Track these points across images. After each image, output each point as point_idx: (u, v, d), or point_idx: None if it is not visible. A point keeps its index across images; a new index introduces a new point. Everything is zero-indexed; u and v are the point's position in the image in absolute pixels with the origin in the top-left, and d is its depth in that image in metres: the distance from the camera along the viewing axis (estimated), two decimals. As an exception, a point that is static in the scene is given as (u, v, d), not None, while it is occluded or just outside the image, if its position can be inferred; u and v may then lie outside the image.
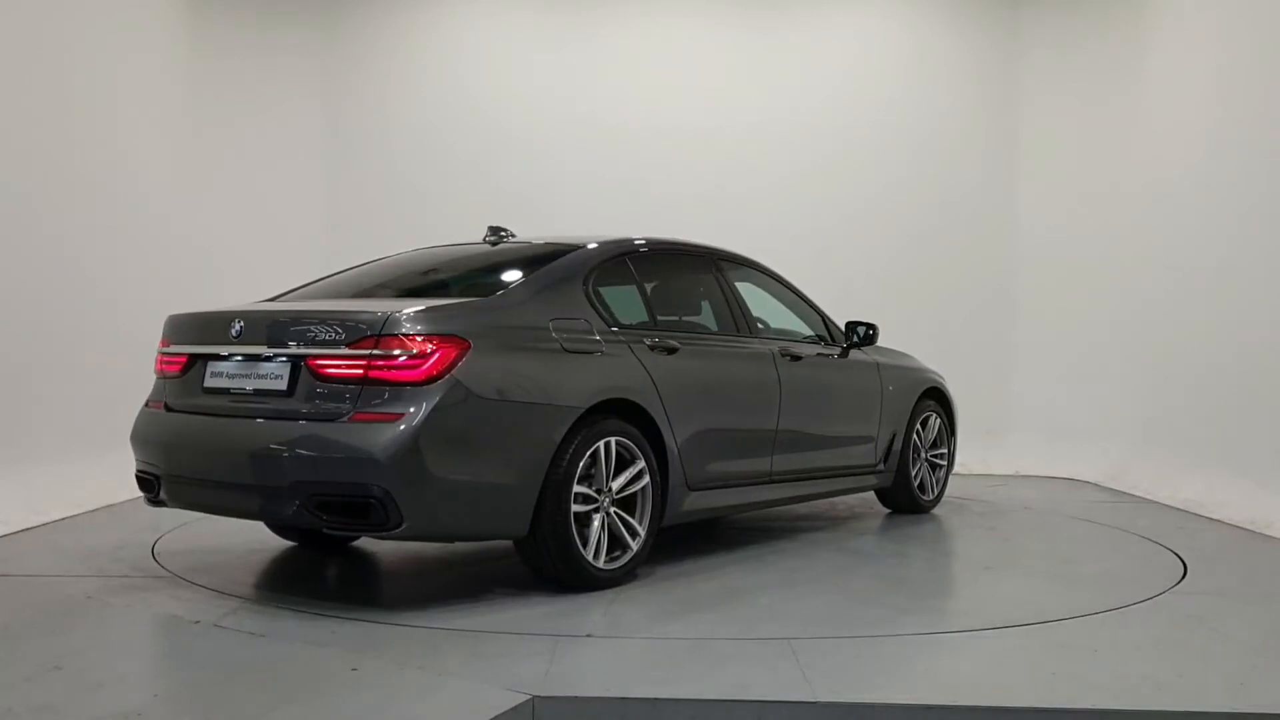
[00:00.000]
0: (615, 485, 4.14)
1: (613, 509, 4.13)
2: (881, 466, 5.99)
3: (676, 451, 4.43)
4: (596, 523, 4.06)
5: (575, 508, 3.95)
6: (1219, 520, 6.15)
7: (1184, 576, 4.60)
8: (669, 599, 4.04)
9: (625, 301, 4.68)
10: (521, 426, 3.83)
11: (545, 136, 8.94)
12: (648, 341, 4.45)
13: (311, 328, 3.77)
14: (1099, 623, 3.81)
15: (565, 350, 4.08)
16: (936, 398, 6.50)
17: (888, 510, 6.39)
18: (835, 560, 4.90)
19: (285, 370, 3.80)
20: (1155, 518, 6.30)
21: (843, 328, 5.91)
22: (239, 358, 3.97)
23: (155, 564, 4.53)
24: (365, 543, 5.07)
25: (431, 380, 3.62)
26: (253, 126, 8.76)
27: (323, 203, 8.95)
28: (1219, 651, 3.50)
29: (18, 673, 2.99)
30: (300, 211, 8.87)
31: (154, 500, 4.20)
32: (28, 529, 5.27)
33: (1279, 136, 6.34)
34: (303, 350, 3.76)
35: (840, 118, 9.05)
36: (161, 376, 4.32)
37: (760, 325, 5.58)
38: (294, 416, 3.72)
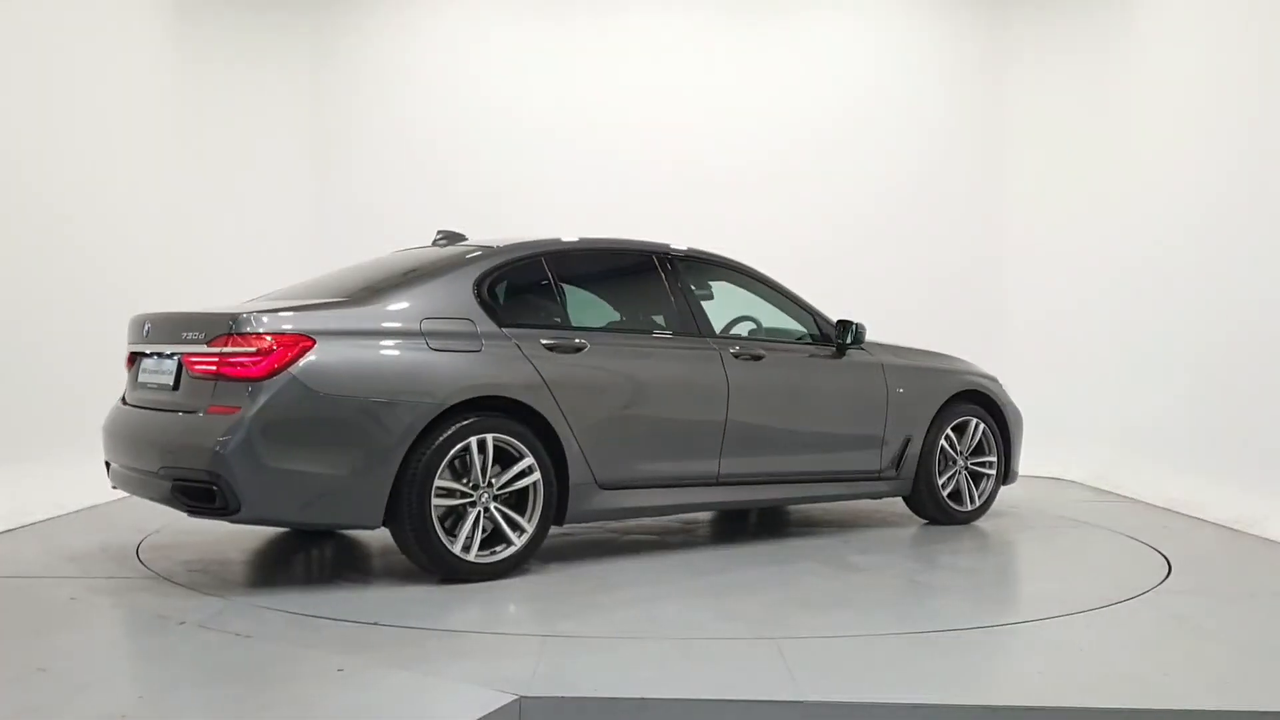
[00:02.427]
0: (498, 481, 4.25)
1: (493, 505, 4.23)
2: (893, 473, 5.69)
3: (579, 450, 4.48)
4: (470, 517, 4.17)
5: (441, 501, 4.11)
6: (1204, 519, 6.18)
7: (1168, 575, 4.63)
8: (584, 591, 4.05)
9: (535, 302, 4.75)
10: (369, 422, 4.00)
11: (532, 136, 8.92)
12: (545, 341, 4.50)
13: (187, 328, 4.17)
14: (1084, 621, 3.83)
15: (432, 349, 4.20)
16: (980, 401, 6.06)
17: (924, 520, 5.96)
18: (823, 564, 4.90)
19: (173, 367, 4.23)
20: (1140, 517, 6.33)
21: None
22: (157, 356, 4.38)
23: (140, 564, 4.51)
24: (352, 542, 5.06)
25: (269, 376, 3.90)
26: (237, 129, 8.72)
27: (308, 204, 8.91)
28: (1203, 650, 3.52)
29: (2, 675, 2.98)
30: (286, 213, 8.83)
31: (114, 485, 4.58)
32: (11, 530, 5.25)
33: (1265, 136, 6.38)
34: (182, 349, 4.18)
35: (826, 117, 9.05)
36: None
37: (752, 325, 5.55)
38: (173, 409, 4.16)
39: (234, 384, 3.92)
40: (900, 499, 5.94)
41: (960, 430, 5.95)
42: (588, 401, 4.54)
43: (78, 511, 5.83)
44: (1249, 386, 6.38)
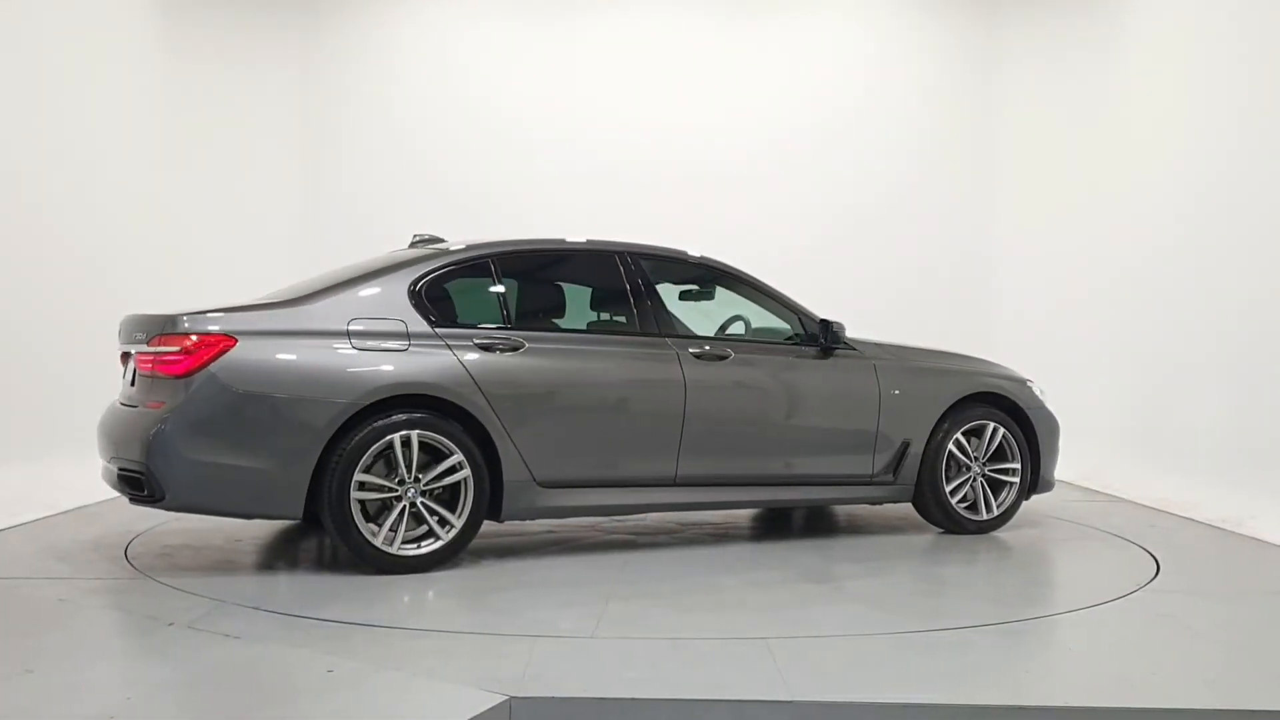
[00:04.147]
0: (426, 477, 4.37)
1: (420, 500, 4.35)
2: (889, 478, 5.41)
3: (513, 448, 4.53)
4: (395, 511, 4.30)
5: (363, 495, 4.26)
6: (1193, 519, 6.19)
7: (1157, 575, 4.64)
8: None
9: (476, 303, 4.80)
10: (285, 418, 4.20)
11: (527, 135, 8.93)
12: (479, 340, 4.55)
13: (137, 329, 4.44)
14: (1073, 621, 3.84)
15: (355, 349, 4.34)
16: (998, 404, 5.65)
17: (939, 529, 5.62)
18: (818, 566, 4.91)
19: (134, 365, 4.51)
20: (1128, 516, 6.34)
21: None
22: (131, 355, 4.60)
23: (129, 565, 4.50)
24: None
25: (190, 373, 4.15)
26: (231, 130, 8.71)
27: (302, 205, 8.91)
28: (1192, 649, 3.53)
29: (-11, 676, 2.97)
30: (280, 214, 8.83)
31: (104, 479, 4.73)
32: (2, 530, 5.22)
33: (1255, 136, 6.40)
34: (134, 348, 4.48)
35: (819, 117, 9.08)
36: None
37: (743, 325, 5.52)
38: (130, 404, 4.46)
39: (165, 381, 4.21)
40: (913, 506, 5.65)
41: (977, 435, 5.60)
42: (524, 400, 4.58)
43: (69, 511, 5.81)
44: (1238, 387, 6.40)
